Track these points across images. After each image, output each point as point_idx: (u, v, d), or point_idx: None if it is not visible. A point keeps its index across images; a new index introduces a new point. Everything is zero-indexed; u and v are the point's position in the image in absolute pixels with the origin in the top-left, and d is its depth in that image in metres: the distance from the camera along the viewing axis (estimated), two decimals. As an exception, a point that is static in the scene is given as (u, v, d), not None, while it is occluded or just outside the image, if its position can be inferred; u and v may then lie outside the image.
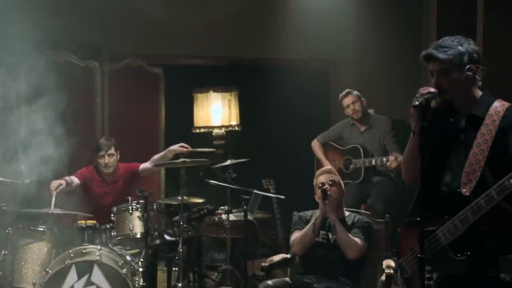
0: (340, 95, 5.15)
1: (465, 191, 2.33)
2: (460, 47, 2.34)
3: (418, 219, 2.25)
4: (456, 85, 2.36)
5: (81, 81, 5.27)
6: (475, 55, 2.37)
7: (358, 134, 5.08)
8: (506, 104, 2.38)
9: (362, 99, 5.08)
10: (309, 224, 3.56)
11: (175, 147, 4.42)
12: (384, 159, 4.68)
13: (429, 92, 2.30)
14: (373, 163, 4.83)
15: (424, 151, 2.22)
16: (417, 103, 2.25)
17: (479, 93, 2.43)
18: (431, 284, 2.45)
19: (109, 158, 4.44)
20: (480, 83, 2.44)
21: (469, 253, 2.33)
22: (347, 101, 5.07)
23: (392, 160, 4.55)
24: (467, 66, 2.35)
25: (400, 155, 4.27)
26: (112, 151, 4.46)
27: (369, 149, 4.96)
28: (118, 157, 4.53)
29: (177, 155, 4.38)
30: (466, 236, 2.32)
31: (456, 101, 2.42)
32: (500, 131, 2.32)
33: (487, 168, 2.31)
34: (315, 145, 5.28)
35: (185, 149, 4.37)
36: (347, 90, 5.14)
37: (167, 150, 4.49)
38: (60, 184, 4.16)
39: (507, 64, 4.91)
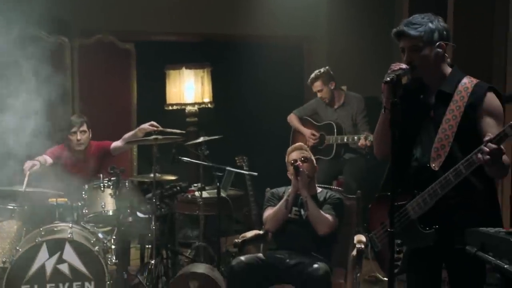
0: (310, 78, 5.12)
1: (434, 166, 2.37)
2: (430, 24, 2.36)
3: (389, 194, 2.27)
4: (427, 61, 2.38)
5: (50, 57, 5.15)
6: (444, 32, 2.39)
7: (332, 111, 5.11)
8: (474, 81, 2.41)
9: (331, 82, 5.03)
10: (282, 201, 3.58)
11: (145, 126, 4.38)
12: (356, 138, 4.71)
13: (401, 69, 2.32)
14: (345, 140, 4.86)
15: (394, 127, 2.25)
16: (388, 79, 2.26)
17: (448, 69, 2.45)
18: (400, 257, 2.50)
19: (81, 135, 4.38)
20: (449, 60, 2.46)
21: (437, 226, 2.37)
22: (314, 88, 5.09)
23: (362, 142, 4.59)
24: (437, 43, 2.37)
25: (371, 135, 4.31)
26: (84, 128, 4.40)
27: (343, 126, 4.99)
28: (90, 135, 4.47)
29: (148, 133, 4.34)
30: (434, 209, 2.37)
31: (426, 77, 2.45)
32: (468, 107, 2.35)
33: (455, 143, 2.35)
34: (292, 118, 5.27)
35: (155, 128, 4.33)
36: (314, 74, 5.07)
37: (137, 128, 4.44)
38: (34, 165, 4.10)
39: (477, 41, 4.97)
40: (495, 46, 5.10)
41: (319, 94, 5.09)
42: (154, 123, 4.37)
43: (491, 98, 2.36)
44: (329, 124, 5.02)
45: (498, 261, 1.82)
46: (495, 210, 2.43)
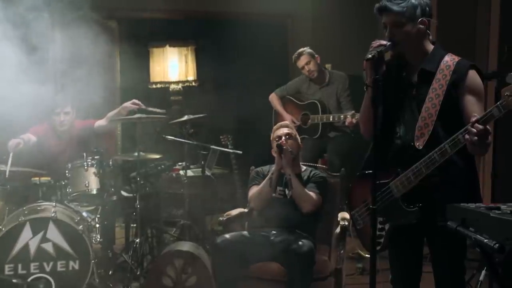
0: (293, 57, 5.07)
1: (418, 144, 2.38)
2: (413, 0, 2.35)
3: (371, 171, 2.28)
4: (409, 37, 2.38)
5: (30, 34, 5.06)
6: (427, 9, 2.39)
7: (316, 90, 5.08)
8: (456, 58, 2.41)
9: (316, 56, 5.02)
10: (266, 179, 3.58)
11: (128, 104, 4.35)
12: (342, 116, 4.70)
13: (381, 45, 2.32)
14: (331, 119, 4.85)
15: (376, 104, 2.25)
16: (369, 56, 2.26)
17: (430, 46, 2.45)
18: (383, 235, 2.53)
19: (65, 116, 4.33)
20: (431, 37, 2.46)
21: (420, 204, 2.40)
22: (301, 62, 5.02)
23: (349, 120, 4.58)
24: (420, 19, 2.37)
25: (357, 114, 4.31)
26: (68, 109, 4.35)
27: (327, 105, 4.98)
28: (74, 115, 4.42)
29: (133, 111, 4.32)
30: (417, 187, 2.39)
31: (408, 53, 2.45)
32: (451, 85, 2.36)
33: (438, 122, 2.36)
34: (273, 98, 5.24)
35: (137, 106, 4.30)
36: (298, 51, 5.05)
37: (120, 107, 4.41)
38: (19, 144, 4.05)
39: (460, 19, 4.98)
40: (478, 24, 5.12)
41: (306, 68, 5.00)
42: (136, 101, 4.34)
43: (473, 76, 2.37)
44: (313, 103, 5.00)
45: (478, 236, 1.85)
46: (475, 187, 2.46)
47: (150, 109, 4.31)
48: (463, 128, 2.19)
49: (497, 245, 1.74)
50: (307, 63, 4.98)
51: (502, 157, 3.99)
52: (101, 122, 4.47)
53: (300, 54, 5.01)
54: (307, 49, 5.02)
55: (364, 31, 5.86)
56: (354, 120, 4.51)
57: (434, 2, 2.43)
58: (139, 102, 4.33)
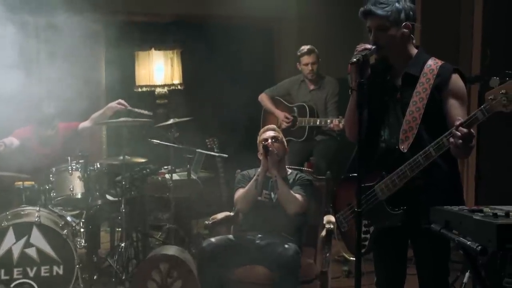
0: (301, 50, 4.99)
1: (403, 147, 2.40)
2: (397, 4, 2.38)
3: (355, 174, 2.29)
4: (393, 41, 2.40)
5: (15, 37, 5.02)
6: (411, 13, 2.41)
7: (306, 92, 5.05)
8: (440, 62, 2.44)
9: (319, 59, 5.00)
10: (252, 181, 3.59)
11: (113, 104, 4.33)
12: (329, 121, 4.69)
13: (366, 49, 2.34)
14: (318, 123, 4.83)
15: (361, 107, 2.27)
16: (354, 59, 2.28)
17: (414, 50, 2.48)
18: (367, 237, 2.54)
19: (51, 131, 4.31)
20: (414, 41, 2.49)
21: (405, 207, 2.41)
22: (308, 59, 4.96)
23: (336, 124, 4.59)
24: (404, 23, 2.39)
25: (343, 118, 4.31)
26: (56, 122, 4.33)
27: (315, 109, 4.97)
28: (57, 117, 4.38)
29: (118, 114, 4.29)
30: (402, 190, 2.40)
31: (392, 57, 2.47)
32: (434, 89, 2.38)
33: (422, 125, 2.38)
34: (264, 98, 5.20)
35: (123, 107, 4.28)
36: (309, 47, 4.97)
37: (106, 107, 4.39)
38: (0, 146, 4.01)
39: (444, 23, 5.02)
40: (461, 28, 5.17)
41: (310, 68, 4.95)
42: (122, 101, 4.32)
43: (456, 80, 2.40)
44: (302, 105, 4.99)
45: (461, 238, 1.86)
46: (459, 189, 2.49)
47: (136, 110, 4.29)
48: (447, 131, 2.21)
49: (479, 247, 1.76)
50: (313, 63, 4.96)
51: (485, 160, 4.03)
52: (85, 124, 4.44)
53: (311, 51, 4.96)
54: (316, 49, 4.98)
55: (349, 34, 5.88)
56: (341, 125, 4.51)
57: (418, 6, 2.46)
58: (125, 103, 4.31)
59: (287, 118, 4.99)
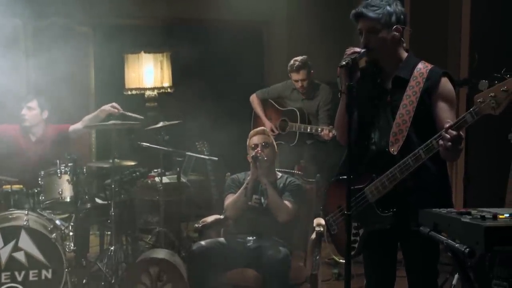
0: (290, 64, 4.82)
1: (393, 150, 2.41)
2: (388, 7, 2.40)
3: (345, 177, 2.30)
4: (383, 44, 2.41)
5: (4, 40, 4.99)
6: (402, 16, 2.44)
7: (299, 98, 4.98)
8: (429, 66, 2.46)
9: (312, 71, 4.85)
10: (241, 189, 3.58)
11: (106, 107, 4.32)
12: (319, 129, 4.66)
13: (355, 52, 2.35)
14: (308, 130, 4.75)
15: (351, 110, 2.28)
16: (343, 63, 2.29)
17: (404, 54, 2.49)
18: (357, 240, 2.55)
19: (28, 111, 4.28)
20: (405, 44, 2.50)
21: (395, 209, 2.42)
22: (296, 76, 4.81)
23: (326, 133, 4.57)
24: (395, 26, 2.41)
25: (333, 127, 4.28)
26: (32, 104, 4.30)
27: (307, 114, 4.94)
28: (45, 116, 4.36)
29: (108, 117, 4.28)
30: (391, 192, 2.41)
31: (382, 60, 2.48)
32: (424, 93, 2.40)
33: (412, 128, 2.39)
34: (254, 100, 5.14)
35: (116, 110, 4.27)
36: (298, 62, 4.74)
37: (99, 110, 4.37)
38: None
39: (433, 27, 5.06)
40: (449, 32, 5.21)
41: (300, 84, 4.83)
42: (115, 104, 4.32)
43: (445, 83, 2.42)
44: (293, 110, 4.95)
45: (450, 241, 1.87)
46: (448, 192, 2.50)
47: (129, 114, 4.28)
48: (437, 134, 2.23)
49: (467, 249, 1.77)
50: (303, 79, 4.81)
51: (474, 163, 4.06)
52: (76, 126, 4.42)
53: (300, 68, 4.77)
54: (308, 62, 4.79)
55: (339, 37, 5.91)
56: (331, 134, 4.49)
57: (406, 10, 2.48)
58: (118, 106, 4.30)
59: (272, 131, 4.85)
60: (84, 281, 3.92)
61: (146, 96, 5.50)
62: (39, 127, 4.36)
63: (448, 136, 2.14)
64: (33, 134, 4.36)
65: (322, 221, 3.48)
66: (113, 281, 3.89)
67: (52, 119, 4.45)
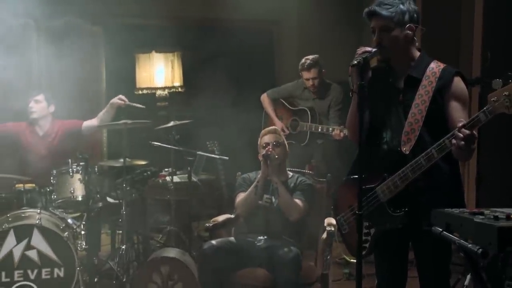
0: (302, 63, 4.82)
1: (405, 149, 2.40)
2: (401, 6, 2.39)
3: (356, 176, 2.29)
4: (396, 42, 2.41)
5: (17, 39, 5.03)
6: (415, 15, 2.43)
7: (310, 98, 4.97)
8: (442, 65, 2.44)
9: (323, 70, 4.84)
10: (251, 187, 3.58)
11: (114, 100, 4.34)
12: (331, 129, 4.64)
13: (366, 51, 2.34)
14: (319, 130, 4.74)
15: (362, 110, 2.27)
16: (355, 62, 2.29)
17: (417, 53, 2.48)
18: (368, 239, 2.54)
19: (35, 104, 4.31)
20: (417, 43, 2.49)
21: (406, 209, 2.41)
22: (307, 75, 4.81)
23: (337, 133, 4.55)
24: (407, 25, 2.40)
25: (344, 127, 4.26)
26: (39, 97, 4.33)
27: (318, 114, 4.93)
28: (51, 110, 4.39)
29: (119, 115, 4.30)
30: (403, 192, 2.40)
31: (394, 59, 2.47)
32: (436, 92, 2.39)
33: (424, 127, 2.38)
34: (265, 100, 5.14)
35: (123, 102, 4.29)
36: (310, 61, 4.74)
37: (108, 104, 4.40)
38: None
39: (445, 26, 5.03)
40: (461, 31, 5.17)
41: (310, 82, 4.82)
42: (122, 96, 4.34)
43: (458, 83, 2.41)
44: (304, 110, 4.93)
45: (462, 241, 1.86)
46: (460, 191, 2.49)
47: (134, 104, 4.30)
48: (450, 133, 2.22)
49: (480, 250, 1.76)
50: (314, 78, 4.81)
51: (486, 163, 4.03)
52: (91, 122, 4.43)
53: (311, 66, 4.77)
54: (319, 61, 4.79)
55: (350, 37, 5.90)
56: (342, 134, 4.48)
57: (418, 9, 2.47)
58: (125, 98, 4.32)
59: (283, 131, 4.82)
60: (95, 279, 3.94)
61: (157, 95, 5.52)
62: (46, 121, 4.38)
63: (461, 135, 2.13)
64: (40, 127, 4.38)
65: (333, 221, 3.46)
66: (124, 279, 3.91)
67: (63, 117, 4.48)
